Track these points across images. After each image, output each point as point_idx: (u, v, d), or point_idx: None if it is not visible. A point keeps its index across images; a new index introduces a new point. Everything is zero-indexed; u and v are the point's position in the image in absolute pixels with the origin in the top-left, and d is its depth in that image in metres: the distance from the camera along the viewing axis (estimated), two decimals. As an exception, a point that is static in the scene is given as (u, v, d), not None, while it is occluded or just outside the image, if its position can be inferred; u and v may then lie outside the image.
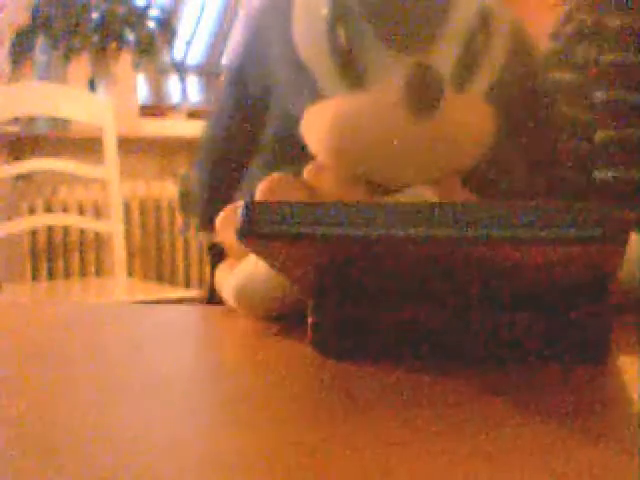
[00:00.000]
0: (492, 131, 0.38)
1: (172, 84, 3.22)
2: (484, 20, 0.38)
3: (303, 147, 0.40)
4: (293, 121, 0.41)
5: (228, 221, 0.40)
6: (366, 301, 0.34)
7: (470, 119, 0.38)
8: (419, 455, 0.24)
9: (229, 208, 0.41)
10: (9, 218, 2.26)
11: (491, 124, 0.38)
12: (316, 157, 0.39)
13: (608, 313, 0.33)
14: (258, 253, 0.29)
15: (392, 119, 0.36)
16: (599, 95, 0.50)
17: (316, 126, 0.39)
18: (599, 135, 0.50)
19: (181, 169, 2.96)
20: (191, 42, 3.35)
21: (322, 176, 0.39)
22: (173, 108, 3.15)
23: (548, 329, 0.33)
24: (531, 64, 0.45)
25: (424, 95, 0.35)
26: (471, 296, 0.32)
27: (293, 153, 0.41)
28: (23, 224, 2.17)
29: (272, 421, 0.27)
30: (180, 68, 2.98)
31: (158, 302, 1.87)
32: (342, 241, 0.26)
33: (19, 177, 2.49)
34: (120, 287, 2.09)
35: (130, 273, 2.61)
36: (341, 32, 0.37)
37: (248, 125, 0.46)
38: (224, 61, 3.36)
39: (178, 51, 3.05)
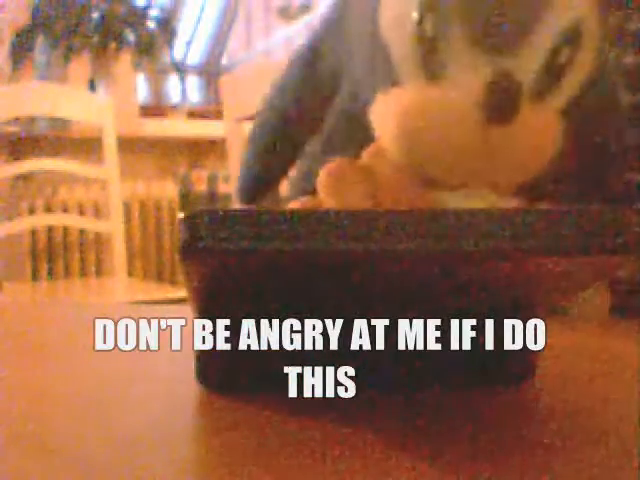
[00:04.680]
0: (558, 148, 0.37)
1: (172, 84, 3.22)
2: (575, 33, 0.37)
3: (367, 129, 0.39)
4: (361, 103, 0.40)
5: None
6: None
7: (541, 133, 0.37)
8: (419, 455, 0.24)
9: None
10: (9, 218, 2.25)
11: (559, 141, 0.37)
12: (379, 140, 0.39)
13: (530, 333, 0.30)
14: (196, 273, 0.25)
15: (465, 119, 0.35)
16: None
17: (387, 111, 0.38)
18: None
19: (181, 169, 2.96)
20: (191, 42, 3.35)
21: (381, 160, 0.38)
22: (173, 108, 3.15)
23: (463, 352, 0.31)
24: (612, 90, 0.43)
25: (502, 101, 0.35)
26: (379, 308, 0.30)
27: (357, 135, 0.40)
28: (23, 224, 2.16)
29: (272, 421, 0.27)
30: (180, 68, 2.98)
31: (158, 302, 1.87)
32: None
33: (19, 177, 2.49)
34: (120, 287, 2.09)
35: (130, 273, 2.61)
36: (429, 22, 0.37)
37: (315, 103, 0.45)
38: (224, 61, 3.36)
39: (178, 51, 3.05)
